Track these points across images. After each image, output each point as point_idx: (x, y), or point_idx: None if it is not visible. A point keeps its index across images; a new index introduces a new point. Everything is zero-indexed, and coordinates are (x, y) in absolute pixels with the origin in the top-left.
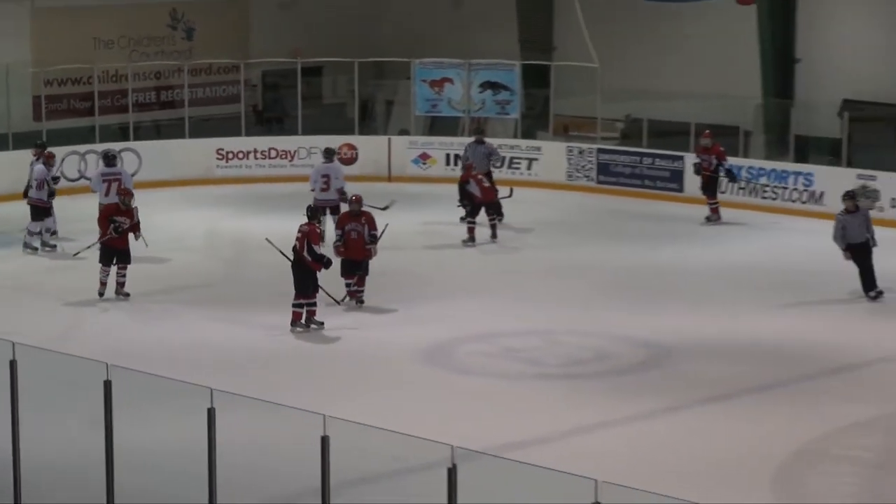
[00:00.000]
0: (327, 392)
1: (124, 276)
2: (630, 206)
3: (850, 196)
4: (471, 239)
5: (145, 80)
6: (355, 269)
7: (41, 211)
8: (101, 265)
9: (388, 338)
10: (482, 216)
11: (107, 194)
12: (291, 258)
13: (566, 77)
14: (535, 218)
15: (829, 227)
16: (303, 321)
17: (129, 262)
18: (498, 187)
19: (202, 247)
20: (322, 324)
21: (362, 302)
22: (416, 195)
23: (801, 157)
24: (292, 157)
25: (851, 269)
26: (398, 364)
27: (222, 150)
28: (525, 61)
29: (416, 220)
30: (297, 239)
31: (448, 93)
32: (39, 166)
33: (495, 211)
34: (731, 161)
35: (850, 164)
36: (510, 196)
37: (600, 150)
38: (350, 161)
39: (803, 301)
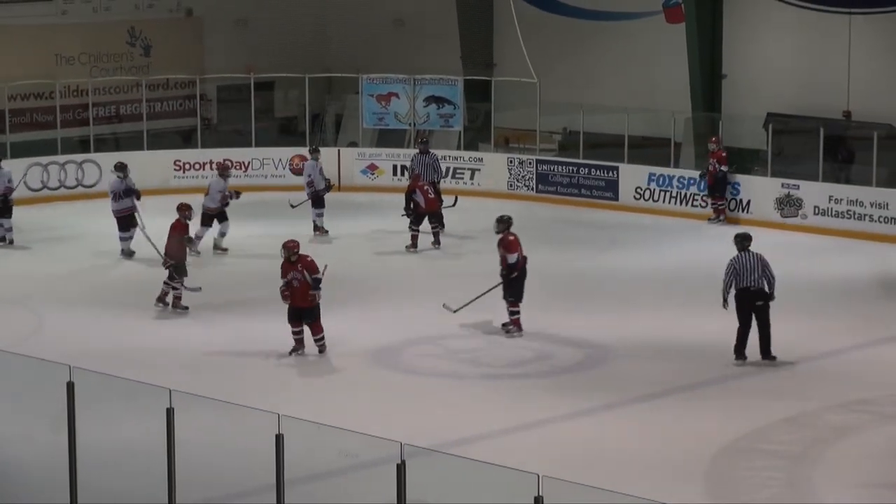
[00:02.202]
0: (282, 392)
1: (180, 289)
2: (567, 214)
3: (738, 239)
4: (413, 245)
5: (105, 94)
6: (302, 316)
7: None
8: (174, 279)
9: (339, 340)
10: (426, 224)
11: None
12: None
13: (506, 92)
14: (477, 226)
15: (754, 234)
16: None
17: (186, 275)
18: (444, 196)
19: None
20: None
21: (325, 349)
22: (365, 204)
23: (729, 168)
24: (246, 168)
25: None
26: (349, 365)
27: (179, 161)
28: (467, 77)
29: (365, 227)
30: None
31: (394, 106)
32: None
33: (437, 220)
34: (663, 172)
35: (774, 174)
36: (454, 205)
37: (539, 161)
38: (301, 172)
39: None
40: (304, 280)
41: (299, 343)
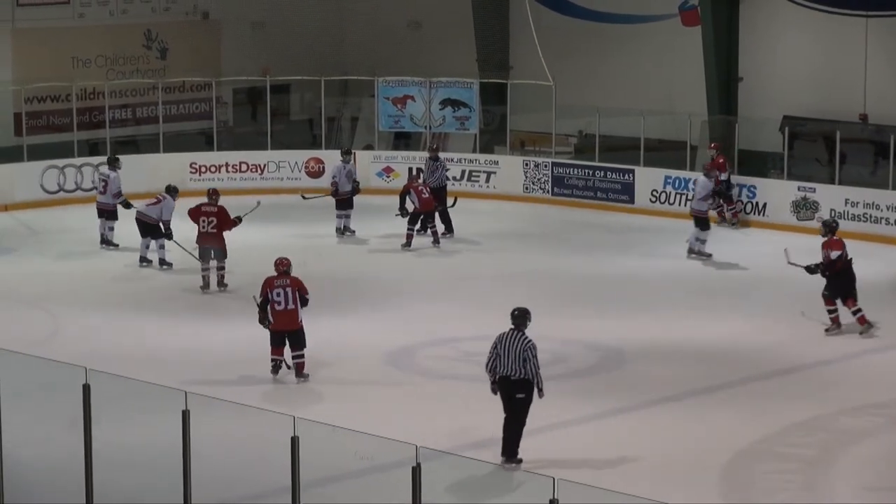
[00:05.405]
0: (297, 394)
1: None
2: (583, 217)
3: (514, 314)
4: (407, 244)
5: (121, 97)
6: (287, 341)
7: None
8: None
9: (352, 342)
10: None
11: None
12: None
13: (522, 95)
14: (492, 228)
15: (770, 237)
16: None
17: (225, 258)
18: (447, 198)
19: (176, 255)
20: None
21: (303, 368)
22: (381, 207)
23: (744, 171)
24: (262, 171)
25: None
26: (364, 367)
27: (195, 163)
28: (483, 80)
29: (379, 230)
30: None
31: (410, 109)
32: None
33: (437, 220)
34: (679, 174)
35: (790, 177)
36: (453, 206)
37: (555, 164)
38: (317, 175)
39: (746, 307)
40: (289, 298)
41: (277, 368)
